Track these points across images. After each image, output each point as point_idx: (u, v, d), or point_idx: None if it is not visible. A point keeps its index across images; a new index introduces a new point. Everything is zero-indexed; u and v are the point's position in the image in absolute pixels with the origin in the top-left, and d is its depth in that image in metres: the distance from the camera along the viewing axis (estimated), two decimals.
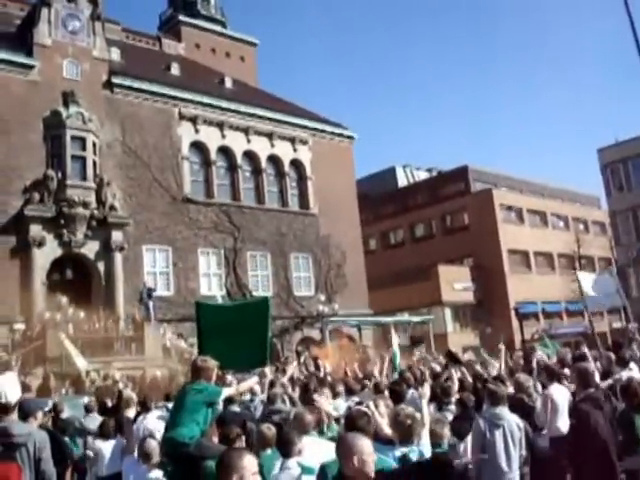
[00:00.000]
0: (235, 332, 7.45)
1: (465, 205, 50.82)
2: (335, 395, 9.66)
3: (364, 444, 3.82)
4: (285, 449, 5.35)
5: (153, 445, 6.45)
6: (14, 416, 5.08)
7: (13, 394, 5.00)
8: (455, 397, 8.46)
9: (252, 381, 7.39)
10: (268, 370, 7.84)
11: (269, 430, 6.23)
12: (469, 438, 6.64)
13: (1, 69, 28.11)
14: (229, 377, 9.59)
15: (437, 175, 62.63)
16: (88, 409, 10.42)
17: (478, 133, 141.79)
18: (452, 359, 11.63)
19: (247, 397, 10.52)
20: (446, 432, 6.00)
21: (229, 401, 7.76)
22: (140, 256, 30.29)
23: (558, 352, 15.59)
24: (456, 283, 46.01)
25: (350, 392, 10.26)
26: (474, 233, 48.55)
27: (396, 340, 15.84)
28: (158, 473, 6.15)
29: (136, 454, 6.53)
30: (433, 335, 35.73)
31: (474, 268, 47.89)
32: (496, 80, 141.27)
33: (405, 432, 5.34)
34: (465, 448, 6.68)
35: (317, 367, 15.86)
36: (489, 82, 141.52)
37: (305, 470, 5.06)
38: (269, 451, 5.81)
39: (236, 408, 8.49)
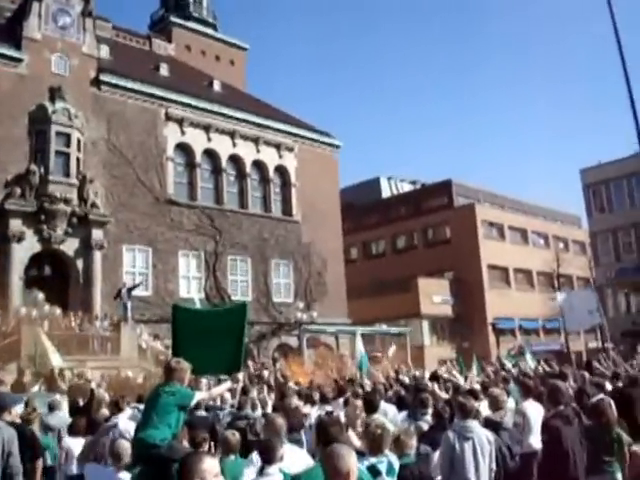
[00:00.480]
0: (211, 337, 7.42)
1: (447, 219, 51.05)
2: (311, 403, 9.69)
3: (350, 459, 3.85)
4: (267, 455, 5.30)
5: (125, 446, 6.41)
6: None
7: None
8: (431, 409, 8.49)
9: (225, 386, 7.36)
10: (241, 376, 7.79)
11: (233, 436, 6.24)
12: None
13: None
14: (204, 380, 9.56)
15: (421, 188, 62.91)
16: (52, 407, 10.35)
17: (462, 147, 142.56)
18: (435, 379, 11.73)
19: (217, 403, 10.51)
20: (413, 443, 6.02)
21: (196, 406, 7.74)
22: (120, 255, 30.15)
23: (536, 369, 15.73)
24: (435, 296, 46.19)
25: (324, 400, 10.29)
26: (455, 247, 48.79)
27: (361, 346, 15.95)
28: (126, 475, 6.11)
29: (93, 458, 6.46)
30: (410, 347, 35.76)
31: (454, 282, 48.11)
32: (482, 90, 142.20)
33: (375, 442, 5.34)
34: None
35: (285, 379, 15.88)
36: (474, 92, 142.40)
37: (286, 477, 5.03)
38: (232, 457, 5.80)
39: (203, 413, 8.46)
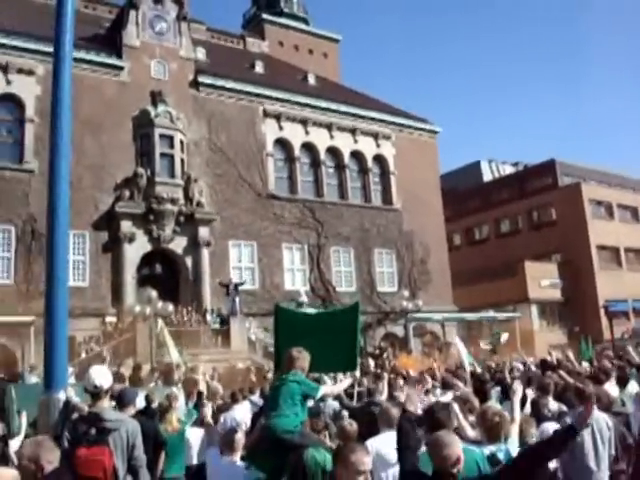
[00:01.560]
0: (321, 337, 7.38)
1: (552, 200, 49.53)
2: (427, 392, 9.63)
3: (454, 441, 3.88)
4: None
5: (238, 437, 6.52)
6: (105, 403, 5.40)
7: (104, 382, 5.33)
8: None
9: (347, 382, 7.32)
10: (358, 373, 7.81)
11: (350, 426, 6.24)
12: None
13: (93, 71, 29.02)
14: (325, 377, 9.56)
15: (523, 169, 61.31)
16: (162, 410, 10.56)
17: (566, 126, 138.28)
18: (546, 368, 11.37)
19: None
20: (534, 430, 5.88)
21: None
22: (226, 251, 30.86)
23: None
24: (543, 280, 44.92)
25: (445, 387, 10.20)
26: (562, 228, 47.30)
27: (460, 343, 15.76)
28: (241, 464, 6.21)
29: (218, 445, 6.61)
30: (519, 333, 34.99)
31: (562, 264, 46.64)
32: (585, 71, 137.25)
33: (492, 431, 5.23)
34: None
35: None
36: (578, 73, 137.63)
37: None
38: None
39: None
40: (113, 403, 6.17)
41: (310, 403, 6.66)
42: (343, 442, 5.75)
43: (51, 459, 4.08)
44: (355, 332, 7.68)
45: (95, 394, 5.31)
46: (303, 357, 6.16)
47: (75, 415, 5.34)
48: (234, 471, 6.11)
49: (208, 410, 8.51)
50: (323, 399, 10.03)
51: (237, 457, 6.31)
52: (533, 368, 13.43)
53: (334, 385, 7.33)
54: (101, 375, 5.42)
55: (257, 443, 6.03)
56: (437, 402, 6.18)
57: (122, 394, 6.58)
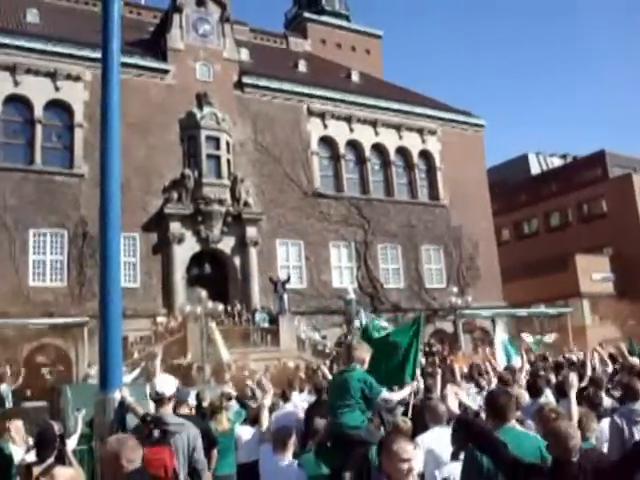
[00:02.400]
0: (385, 355, 7.43)
1: (603, 192, 48.58)
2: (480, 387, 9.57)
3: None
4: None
5: (291, 435, 6.53)
6: (168, 409, 5.59)
7: (165, 390, 5.56)
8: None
9: (407, 390, 7.28)
10: (416, 384, 7.81)
11: (405, 423, 6.21)
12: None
13: (140, 74, 29.45)
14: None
15: (572, 161, 60.25)
16: (214, 410, 10.65)
17: (616, 116, 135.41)
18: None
19: None
20: (595, 426, 5.75)
21: None
22: (273, 250, 31.02)
23: None
24: (594, 273, 44.09)
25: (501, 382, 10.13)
26: (613, 221, 46.35)
27: (500, 333, 15.54)
28: (294, 463, 6.23)
29: (271, 443, 6.63)
30: (571, 328, 34.41)
31: (613, 257, 45.71)
32: (634, 60, 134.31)
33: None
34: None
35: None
36: (625, 61, 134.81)
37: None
38: None
39: None
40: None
41: None
42: None
43: (132, 458, 4.11)
44: (417, 345, 7.66)
45: (158, 400, 5.55)
46: (362, 348, 6.15)
47: (131, 413, 5.46)
48: (287, 470, 6.13)
49: (264, 409, 8.58)
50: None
51: (290, 455, 6.33)
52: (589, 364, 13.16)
53: (396, 392, 7.24)
54: (164, 383, 5.67)
55: (324, 439, 6.06)
56: (497, 390, 6.11)
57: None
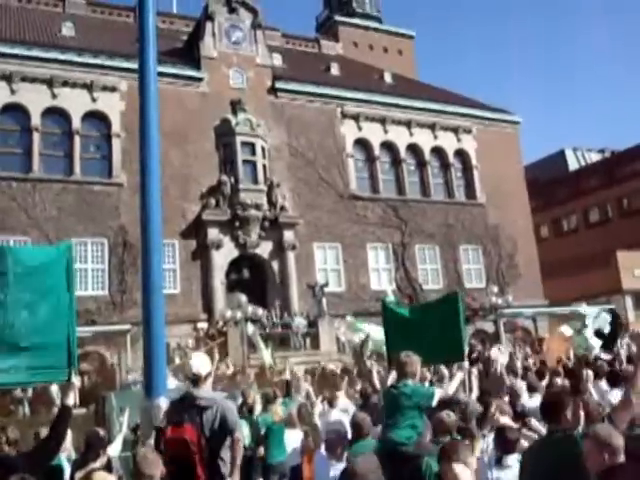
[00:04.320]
0: (425, 329, 7.35)
1: None
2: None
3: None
4: (506, 445, 5.35)
5: (345, 438, 6.50)
6: (205, 387, 5.71)
7: (201, 370, 5.63)
8: None
9: (458, 378, 7.19)
10: (466, 364, 7.62)
11: (448, 417, 6.13)
12: None
13: (174, 83, 29.72)
14: (427, 374, 9.49)
15: (611, 156, 59.30)
16: (268, 400, 10.81)
17: None
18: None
19: None
20: None
21: None
22: (311, 254, 31.06)
23: None
24: (637, 269, 43.34)
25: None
26: None
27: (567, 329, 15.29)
28: (342, 465, 6.21)
29: (323, 448, 6.64)
30: None
31: None
32: None
33: (594, 423, 5.09)
34: None
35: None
36: None
37: None
38: (447, 438, 5.70)
39: None
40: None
41: None
42: (443, 435, 5.67)
43: (152, 473, 4.28)
44: (458, 322, 7.50)
45: (194, 380, 5.62)
46: (412, 361, 6.12)
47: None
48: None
49: (316, 410, 8.64)
50: None
51: (343, 460, 6.30)
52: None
53: (448, 385, 7.14)
54: (200, 363, 5.73)
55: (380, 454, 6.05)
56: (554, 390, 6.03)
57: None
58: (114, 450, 7.51)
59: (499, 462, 5.25)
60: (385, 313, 8.29)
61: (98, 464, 5.87)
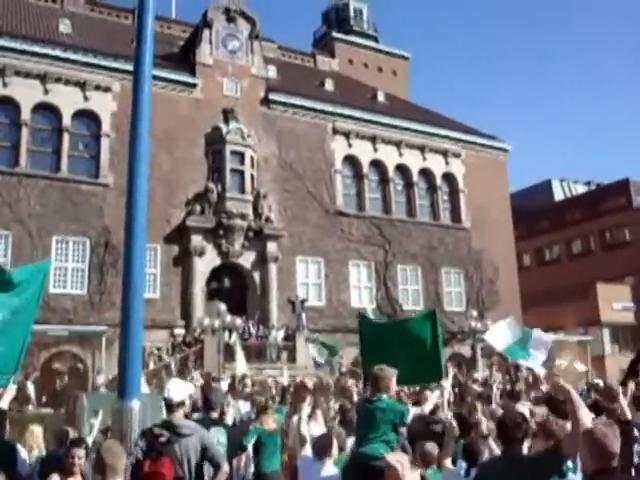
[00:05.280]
0: (402, 347, 7.28)
1: (626, 220, 48.18)
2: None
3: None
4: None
5: (332, 442, 6.43)
6: (178, 414, 5.60)
7: (174, 396, 5.58)
8: None
9: (435, 396, 7.18)
10: (446, 384, 7.55)
11: (433, 448, 6.11)
12: None
13: (168, 87, 29.69)
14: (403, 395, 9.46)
15: (596, 188, 59.87)
16: (260, 409, 10.74)
17: None
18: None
19: None
20: None
21: None
22: (293, 267, 31.02)
23: None
24: (615, 302, 43.65)
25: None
26: (636, 250, 45.90)
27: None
28: (335, 470, 6.17)
29: (310, 452, 6.58)
30: (590, 357, 34.02)
31: (635, 287, 45.25)
32: None
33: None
34: None
35: None
36: None
37: None
38: (430, 470, 5.69)
39: None
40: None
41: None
42: (424, 465, 5.63)
43: (115, 464, 4.29)
44: (436, 339, 7.46)
45: (168, 406, 5.58)
46: (386, 375, 6.11)
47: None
48: (328, 477, 6.10)
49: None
50: None
51: (331, 463, 6.26)
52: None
53: (424, 404, 7.11)
54: (176, 389, 5.69)
55: (348, 470, 6.03)
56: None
57: (208, 399, 7.01)
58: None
59: (467, 474, 5.27)
60: (362, 328, 8.23)
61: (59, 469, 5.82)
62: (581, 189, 62.54)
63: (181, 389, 5.75)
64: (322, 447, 6.18)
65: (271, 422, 9.13)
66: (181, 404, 5.65)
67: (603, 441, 3.70)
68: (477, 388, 13.05)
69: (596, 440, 3.73)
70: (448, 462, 5.71)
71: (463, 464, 5.67)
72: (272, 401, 11.80)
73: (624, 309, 43.91)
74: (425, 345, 7.29)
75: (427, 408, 6.80)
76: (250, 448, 8.78)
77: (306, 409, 7.13)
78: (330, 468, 6.08)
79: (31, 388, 15.65)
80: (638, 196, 50.87)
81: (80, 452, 5.82)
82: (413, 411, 6.40)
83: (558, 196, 60.79)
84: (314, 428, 8.86)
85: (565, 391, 4.12)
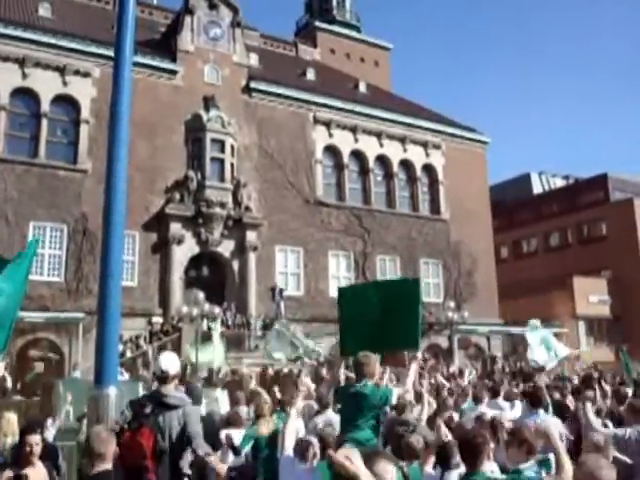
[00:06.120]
0: (380, 311, 7.03)
1: (604, 215, 48.56)
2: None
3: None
4: (447, 462, 5.40)
5: (312, 444, 6.41)
6: (171, 386, 5.70)
7: (170, 368, 5.69)
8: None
9: (413, 370, 7.06)
10: (419, 354, 7.47)
11: (418, 443, 6.10)
12: None
13: (148, 74, 29.45)
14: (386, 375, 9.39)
15: (574, 182, 60.30)
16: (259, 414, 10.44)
17: (620, 138, 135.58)
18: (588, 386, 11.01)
19: None
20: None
21: None
22: (272, 256, 31.01)
23: None
24: (591, 295, 44.09)
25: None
26: (613, 244, 46.33)
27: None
28: (316, 472, 6.16)
29: (292, 453, 6.55)
30: None
31: (611, 281, 45.71)
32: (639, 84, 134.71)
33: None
34: None
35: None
36: (632, 85, 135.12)
37: None
38: (415, 464, 5.67)
39: None
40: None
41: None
42: (409, 459, 5.60)
43: (103, 451, 4.29)
44: (416, 307, 7.23)
45: (162, 378, 5.67)
46: (370, 361, 6.11)
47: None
48: (306, 475, 6.10)
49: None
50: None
51: (310, 462, 6.27)
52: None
53: (405, 385, 7.03)
54: (169, 361, 5.79)
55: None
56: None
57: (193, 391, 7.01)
58: (50, 434, 7.66)
59: (442, 478, 5.29)
60: (340, 299, 8.07)
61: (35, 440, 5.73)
62: (560, 183, 62.96)
63: (175, 362, 5.85)
64: (301, 449, 6.20)
65: (269, 426, 9.01)
66: (175, 376, 5.76)
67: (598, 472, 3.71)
68: (447, 384, 13.16)
69: (591, 474, 3.73)
70: (430, 465, 5.71)
71: (437, 469, 5.68)
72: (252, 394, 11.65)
73: (600, 302, 44.37)
74: (404, 312, 7.04)
75: (409, 382, 6.80)
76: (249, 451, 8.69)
77: (299, 403, 7.06)
78: (311, 469, 6.09)
79: (7, 375, 15.59)
80: (616, 191, 51.29)
81: (35, 438, 5.69)
82: (397, 391, 6.41)
83: (537, 189, 61.17)
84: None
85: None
